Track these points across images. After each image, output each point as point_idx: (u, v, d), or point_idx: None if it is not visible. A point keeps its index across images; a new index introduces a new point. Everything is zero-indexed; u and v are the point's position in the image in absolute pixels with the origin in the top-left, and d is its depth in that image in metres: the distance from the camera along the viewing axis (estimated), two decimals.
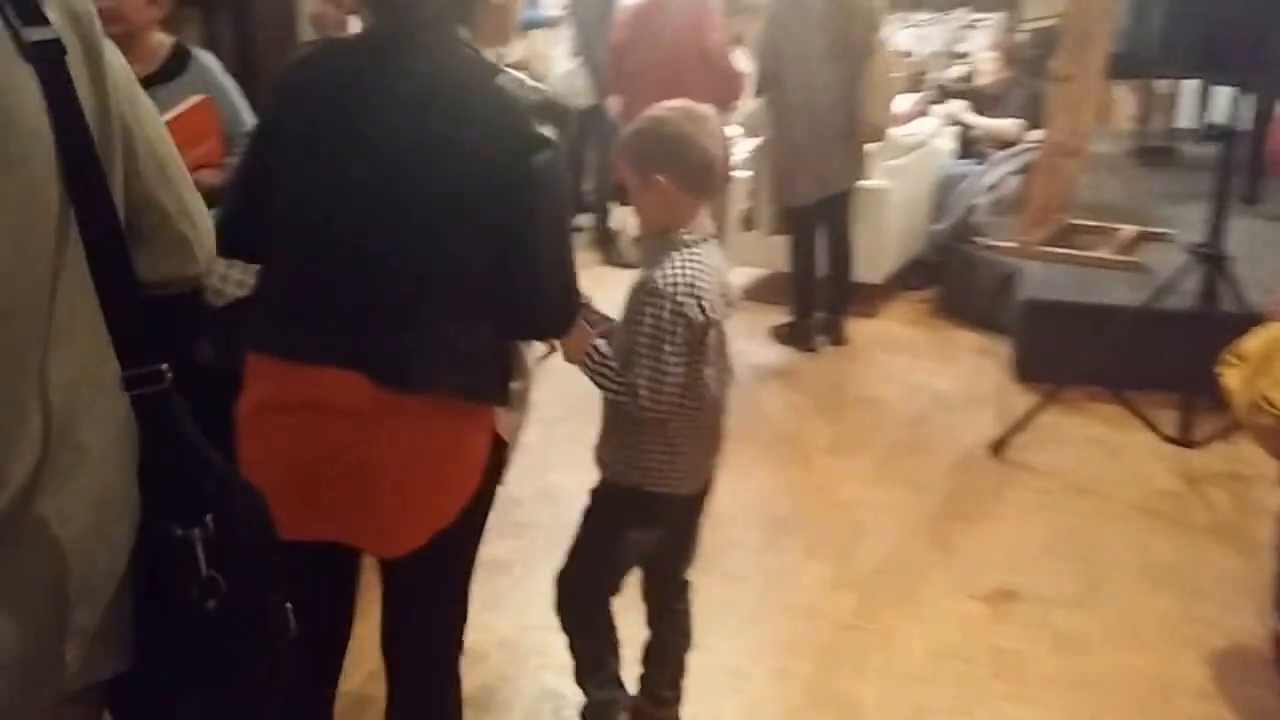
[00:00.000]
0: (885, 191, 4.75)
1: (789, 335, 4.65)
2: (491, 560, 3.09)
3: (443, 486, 1.61)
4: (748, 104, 4.42)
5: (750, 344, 4.66)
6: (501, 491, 3.00)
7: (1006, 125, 5.11)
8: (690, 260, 1.86)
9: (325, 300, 1.55)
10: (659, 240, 1.90)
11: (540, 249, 1.57)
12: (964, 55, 9.81)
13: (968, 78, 5.44)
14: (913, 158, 4.96)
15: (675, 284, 1.83)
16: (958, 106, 5.35)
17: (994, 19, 9.93)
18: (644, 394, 1.83)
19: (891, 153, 4.78)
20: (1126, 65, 5.82)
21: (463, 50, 1.60)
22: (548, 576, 3.00)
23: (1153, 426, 3.56)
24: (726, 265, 1.97)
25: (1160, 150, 6.23)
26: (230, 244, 1.75)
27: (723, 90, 4.11)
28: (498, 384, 1.65)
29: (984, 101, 5.35)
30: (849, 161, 4.36)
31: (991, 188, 4.81)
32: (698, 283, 1.84)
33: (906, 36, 9.69)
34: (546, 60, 5.61)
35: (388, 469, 1.55)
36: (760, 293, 5.25)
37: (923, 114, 5.48)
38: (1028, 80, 5.10)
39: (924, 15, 10.36)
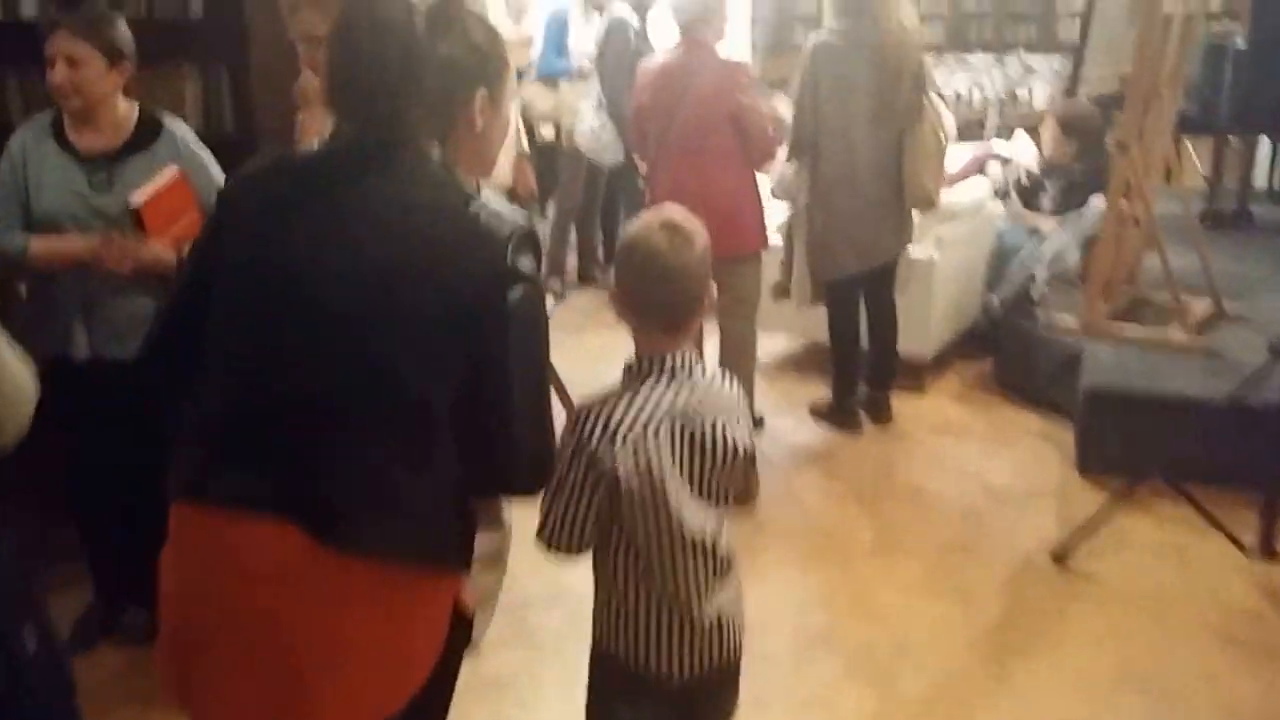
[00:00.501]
0: (933, 262, 4.53)
1: (829, 413, 4.44)
2: (494, 675, 2.91)
3: (387, 669, 1.42)
4: (781, 167, 4.21)
5: (786, 421, 4.45)
6: (505, 595, 2.82)
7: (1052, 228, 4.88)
8: (624, 393, 1.70)
9: (258, 439, 1.40)
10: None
11: (511, 394, 1.43)
12: (1026, 100, 9.63)
13: (1029, 175, 5.17)
14: (965, 224, 4.74)
15: (587, 415, 1.68)
16: (1016, 206, 5.10)
17: (1054, 60, 9.76)
18: (544, 527, 1.70)
19: (941, 219, 4.57)
20: (1198, 123, 5.61)
21: (436, 172, 1.45)
22: (557, 693, 2.81)
23: (1230, 535, 3.30)
24: (704, 409, 1.73)
25: (1234, 214, 5.96)
26: (153, 374, 1.59)
27: (755, 152, 3.93)
28: (457, 546, 1.49)
29: (1046, 177, 5.10)
30: (893, 231, 4.16)
31: (1052, 258, 4.57)
32: (614, 418, 1.67)
33: (960, 80, 9.51)
34: (574, 114, 5.47)
35: (319, 644, 1.37)
36: (798, 363, 5.04)
37: (979, 172, 5.25)
38: (1091, 155, 4.86)
39: (978, 56, 10.18)
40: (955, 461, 4.10)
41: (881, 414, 4.43)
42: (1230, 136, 6.03)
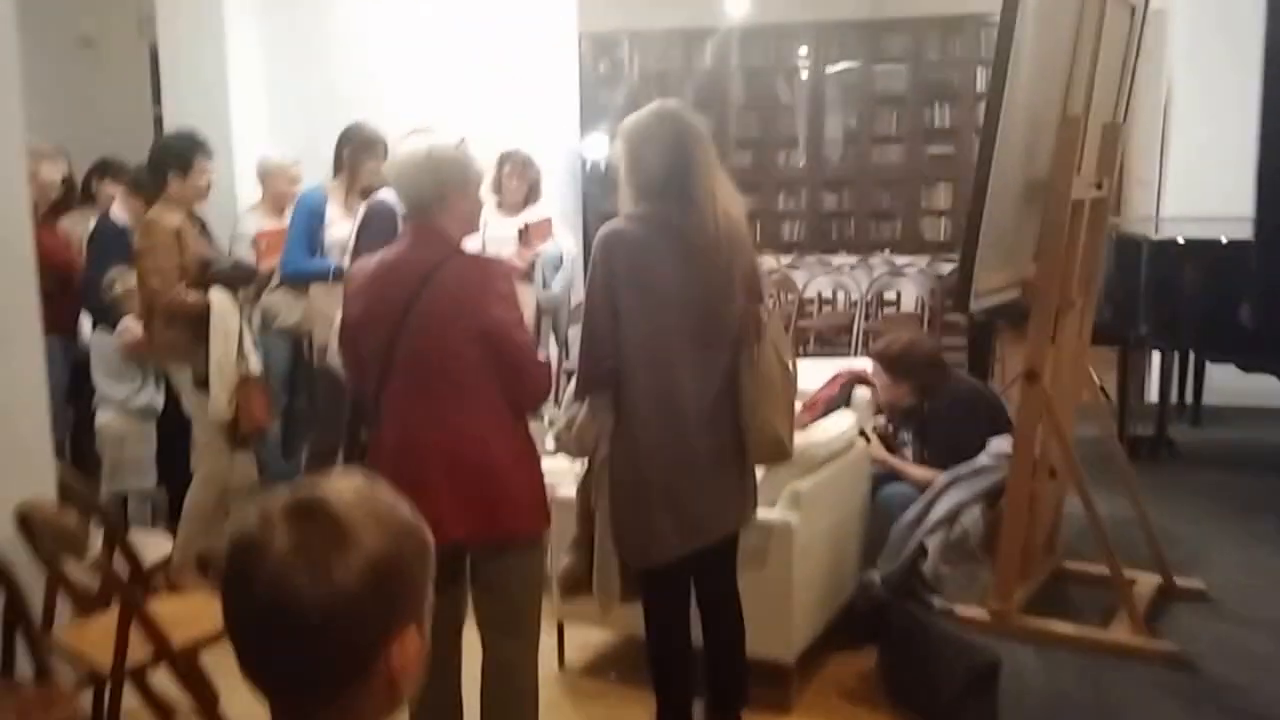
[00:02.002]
0: (791, 528, 3.33)
1: None
2: None
3: None
4: (565, 409, 3.03)
5: None
6: None
7: (925, 474, 3.76)
8: None
9: None
10: None
11: None
12: (894, 302, 8.88)
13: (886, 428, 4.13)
14: (830, 473, 3.57)
15: None
16: (879, 450, 3.99)
17: (921, 260, 9.08)
18: None
19: (800, 468, 3.41)
20: (1106, 331, 4.67)
21: None
22: None
23: None
24: None
25: (1152, 441, 4.98)
26: None
27: (520, 390, 2.74)
28: None
29: (897, 425, 4.04)
30: (733, 494, 2.96)
31: (945, 521, 3.43)
32: None
33: (824, 282, 8.71)
34: (328, 324, 4.23)
35: None
36: (615, 668, 3.72)
37: (844, 402, 4.16)
38: (935, 385, 3.84)
39: (844, 258, 9.47)
40: None
41: None
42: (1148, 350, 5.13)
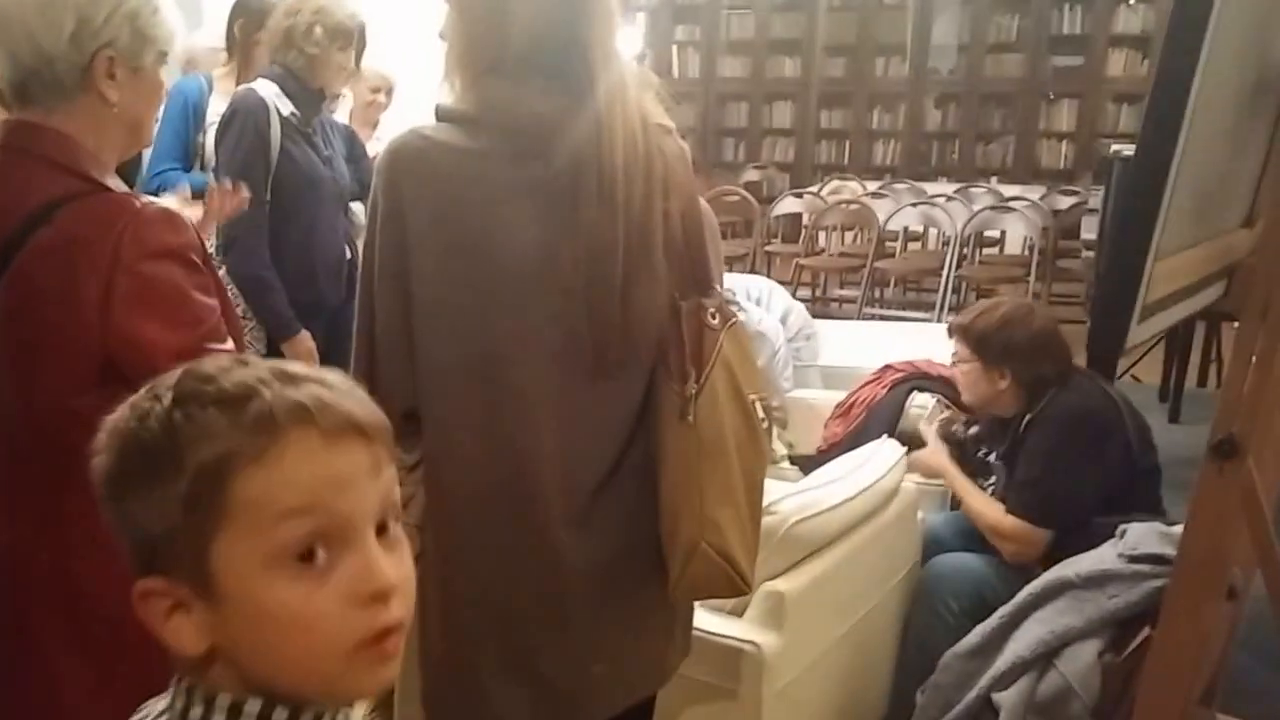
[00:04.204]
0: (761, 659, 1.93)
1: None
2: None
3: None
4: None
5: None
6: None
7: (1003, 521, 2.27)
8: None
9: None
10: None
11: None
12: (996, 242, 7.27)
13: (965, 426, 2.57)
14: (841, 557, 2.12)
15: None
16: (937, 455, 2.46)
17: (1035, 192, 7.43)
18: None
19: (785, 555, 1.99)
20: None
21: None
22: None
23: None
24: None
25: None
26: None
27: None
28: None
29: (981, 440, 2.52)
30: (639, 641, 1.58)
31: (1034, 662, 1.97)
32: None
33: (911, 215, 7.08)
34: None
35: None
36: None
37: (895, 413, 2.70)
38: (1042, 383, 2.29)
39: (943, 187, 7.83)
40: None
41: None
42: None
